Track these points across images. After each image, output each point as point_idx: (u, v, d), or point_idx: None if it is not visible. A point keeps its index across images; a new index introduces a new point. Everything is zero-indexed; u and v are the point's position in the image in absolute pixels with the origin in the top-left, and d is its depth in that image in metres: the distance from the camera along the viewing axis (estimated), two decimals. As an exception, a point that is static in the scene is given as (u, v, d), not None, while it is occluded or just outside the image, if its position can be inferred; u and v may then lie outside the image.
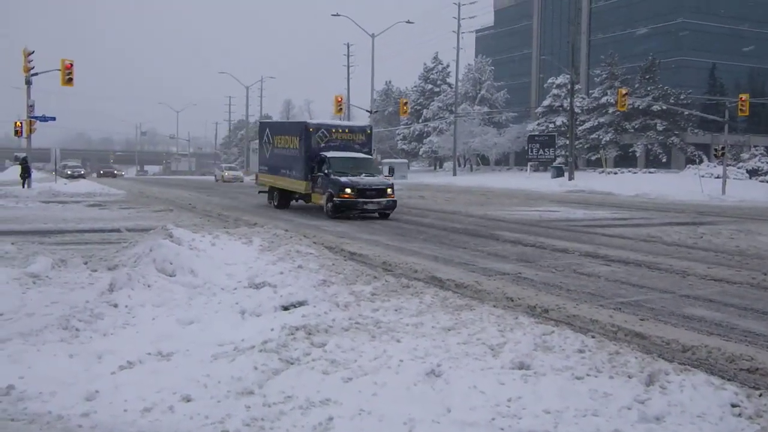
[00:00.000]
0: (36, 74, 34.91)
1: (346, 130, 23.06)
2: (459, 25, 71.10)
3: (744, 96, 43.56)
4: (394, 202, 21.05)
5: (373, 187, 20.57)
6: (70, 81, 33.19)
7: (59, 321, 6.65)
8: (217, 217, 20.49)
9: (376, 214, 20.83)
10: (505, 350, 6.15)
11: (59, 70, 33.31)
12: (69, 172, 60.93)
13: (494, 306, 8.28)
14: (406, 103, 60.50)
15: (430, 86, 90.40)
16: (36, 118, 35.58)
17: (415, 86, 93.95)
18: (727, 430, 4.63)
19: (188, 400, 5.05)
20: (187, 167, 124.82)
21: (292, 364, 5.81)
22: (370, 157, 23.26)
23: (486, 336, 6.61)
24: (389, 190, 20.82)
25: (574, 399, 5.06)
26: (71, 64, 33.15)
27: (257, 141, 65.92)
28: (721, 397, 5.05)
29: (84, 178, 55.83)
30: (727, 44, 71.77)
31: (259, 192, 27.27)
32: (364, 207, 20.35)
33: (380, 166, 70.36)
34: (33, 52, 34.34)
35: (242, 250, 10.89)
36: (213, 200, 29.83)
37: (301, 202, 24.00)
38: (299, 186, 22.60)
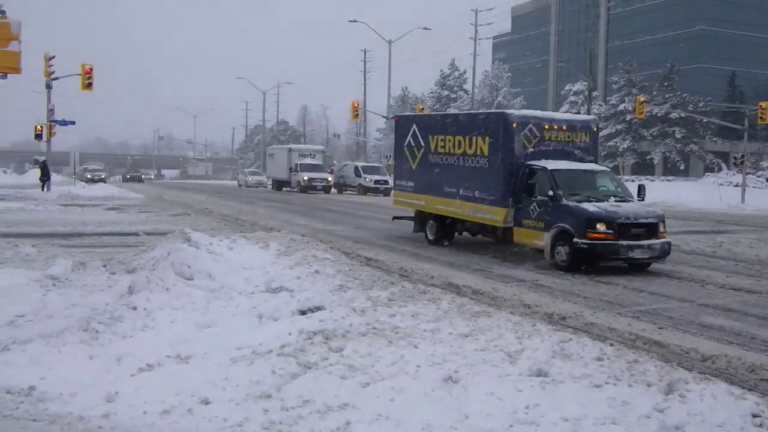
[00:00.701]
0: (56, 78, 35.30)
1: (564, 127, 14.55)
2: (476, 32, 71.01)
3: (764, 104, 43.10)
4: (669, 245, 12.82)
5: (640, 221, 12.50)
6: (89, 86, 33.54)
7: (79, 323, 6.71)
8: (234, 222, 20.59)
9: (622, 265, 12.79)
10: (523, 357, 6.13)
11: (79, 74, 33.68)
12: (89, 176, 58.96)
13: (511, 313, 8.26)
14: (422, 109, 60.51)
15: (446, 92, 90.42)
16: (56, 121, 36.01)
17: (432, 92, 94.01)
18: (747, 440, 4.59)
19: (207, 403, 5.07)
20: (204, 172, 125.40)
21: (309, 368, 5.82)
22: (609, 170, 15.45)
23: (503, 343, 6.59)
24: (661, 226, 12.76)
25: (592, 407, 5.03)
26: (91, 69, 33.50)
27: (274, 146, 64.66)
28: (742, 407, 5.01)
29: (104, 182, 54.35)
30: (747, 52, 71.29)
31: (395, 218, 18.31)
32: (628, 254, 12.28)
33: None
34: (54, 56, 34.73)
35: (259, 255, 10.92)
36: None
37: (467, 234, 16.09)
38: (492, 215, 14.13)
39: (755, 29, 71.59)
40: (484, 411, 5.02)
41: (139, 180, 76.13)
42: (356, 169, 46.90)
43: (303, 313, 7.83)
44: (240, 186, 60.91)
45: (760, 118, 42.48)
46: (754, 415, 4.89)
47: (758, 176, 54.54)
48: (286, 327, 7.15)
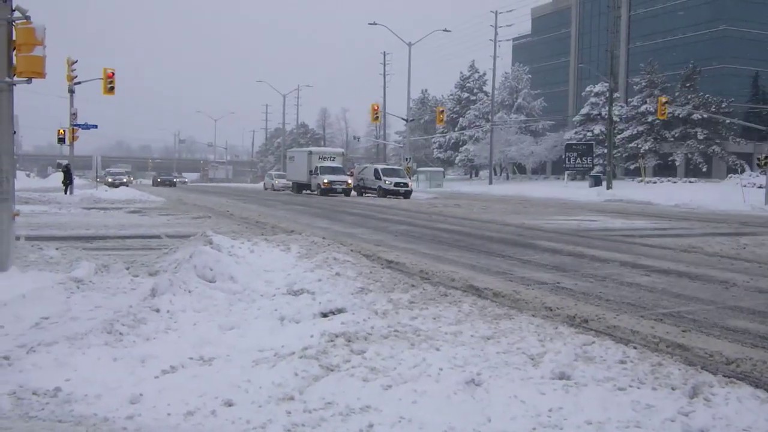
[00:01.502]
0: (79, 83, 35.69)
1: None
2: (496, 33, 70.94)
3: (788, 104, 42.62)
4: None
5: None
6: (111, 90, 33.89)
7: (103, 325, 6.76)
8: (255, 224, 20.68)
9: None
10: (545, 360, 6.10)
11: (101, 78, 34.03)
12: (110, 180, 57.56)
13: (533, 315, 8.22)
14: (442, 112, 60.41)
15: (466, 94, 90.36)
16: (78, 125, 36.42)
17: (452, 94, 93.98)
18: (774, 444, 4.53)
19: (230, 405, 5.10)
20: (224, 175, 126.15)
21: (332, 370, 5.83)
22: None
23: (526, 345, 6.56)
24: None
25: (616, 410, 5.00)
26: (113, 73, 33.86)
27: (294, 149, 65.04)
28: (768, 411, 4.95)
29: (126, 185, 52.58)
30: (770, 52, 70.37)
31: None
32: None
33: (416, 175, 70.33)
34: (76, 61, 35.10)
35: (280, 257, 10.98)
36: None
37: None
38: None
39: (779, 28, 70.69)
40: (507, 414, 5.00)
41: (171, 184, 71.09)
42: (376, 171, 47.03)
43: (324, 315, 7.85)
44: (266, 189, 60.94)
45: (785, 118, 41.94)
46: (781, 419, 4.83)
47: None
48: (308, 329, 7.17)
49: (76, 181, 40.72)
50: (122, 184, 55.17)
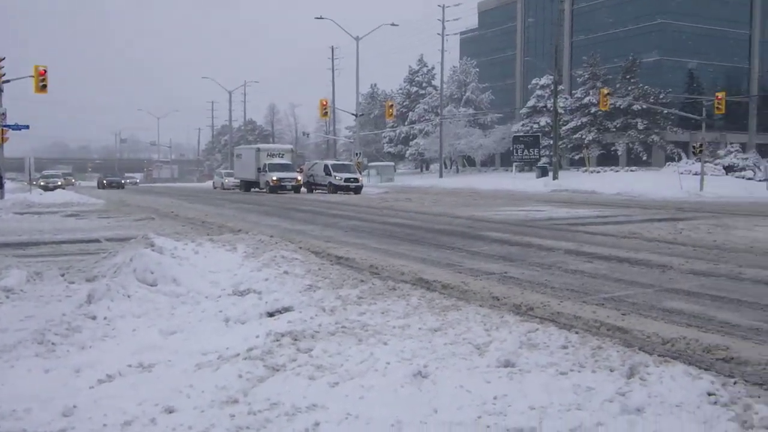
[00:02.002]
0: (7, 81, 34.29)
1: None
2: (443, 27, 71.26)
3: (720, 94, 44.25)
4: None
5: None
6: (43, 88, 32.79)
7: (34, 335, 6.47)
8: (201, 225, 20.32)
9: None
10: (491, 349, 6.14)
11: (32, 76, 32.85)
12: (43, 183, 55.75)
13: (480, 306, 8.27)
14: (391, 106, 60.54)
15: (415, 89, 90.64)
16: (8, 126, 34.85)
17: (401, 89, 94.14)
18: (703, 417, 4.65)
19: (171, 412, 4.95)
20: (170, 174, 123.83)
21: (277, 370, 5.74)
22: None
23: (472, 336, 6.59)
24: None
25: (558, 394, 5.06)
26: (45, 71, 32.76)
27: (241, 146, 64.33)
28: (699, 386, 5.10)
29: (62, 188, 50.32)
30: (705, 45, 72.54)
31: None
32: None
33: (366, 170, 70.27)
34: (3, 58, 33.66)
35: (226, 258, 10.81)
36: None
37: None
38: None
39: (714, 22, 72.79)
40: (454, 404, 5.00)
41: (119, 186, 66.72)
42: (326, 167, 46.76)
43: (271, 315, 7.74)
44: (216, 188, 59.95)
45: (717, 108, 43.53)
46: (710, 394, 4.99)
47: (716, 164, 55.68)
48: (253, 330, 7.06)
49: (8, 184, 39.34)
50: (57, 186, 52.92)
